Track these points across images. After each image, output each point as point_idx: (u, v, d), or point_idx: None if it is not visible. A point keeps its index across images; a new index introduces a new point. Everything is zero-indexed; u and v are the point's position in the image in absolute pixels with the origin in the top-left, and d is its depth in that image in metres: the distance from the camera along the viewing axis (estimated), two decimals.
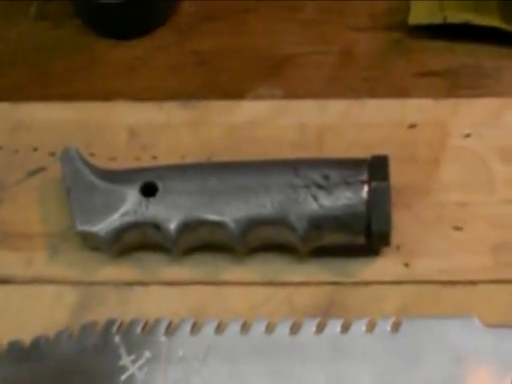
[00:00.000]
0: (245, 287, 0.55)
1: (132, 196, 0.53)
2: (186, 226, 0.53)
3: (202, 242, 0.55)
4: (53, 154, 0.60)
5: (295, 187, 0.52)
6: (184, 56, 0.66)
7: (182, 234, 0.53)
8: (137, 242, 0.55)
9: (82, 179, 0.54)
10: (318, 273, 0.55)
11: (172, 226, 0.53)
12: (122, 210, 0.53)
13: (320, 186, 0.52)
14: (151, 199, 0.53)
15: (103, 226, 0.53)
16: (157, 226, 0.53)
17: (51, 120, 0.61)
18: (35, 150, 0.60)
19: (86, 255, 0.57)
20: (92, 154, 0.59)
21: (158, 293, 0.55)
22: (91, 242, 0.55)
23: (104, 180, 0.54)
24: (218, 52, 0.66)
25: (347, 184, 0.51)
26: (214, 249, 0.56)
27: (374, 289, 0.55)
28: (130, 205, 0.53)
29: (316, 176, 0.52)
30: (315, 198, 0.52)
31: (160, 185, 0.54)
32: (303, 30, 0.66)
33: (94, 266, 0.56)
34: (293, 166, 0.54)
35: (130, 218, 0.53)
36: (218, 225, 0.53)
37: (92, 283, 0.56)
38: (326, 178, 0.52)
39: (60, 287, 0.56)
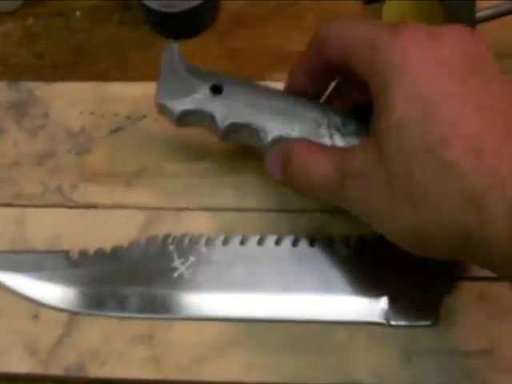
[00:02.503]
0: (260, 213, 0.54)
1: (203, 90, 0.50)
2: (233, 126, 0.50)
3: (241, 140, 0.52)
4: (128, 118, 0.58)
5: (320, 124, 0.48)
6: (221, 51, 0.65)
7: (228, 130, 0.50)
8: (194, 123, 0.52)
9: (172, 66, 0.51)
10: None
11: (224, 122, 0.49)
12: (193, 97, 0.50)
13: (338, 130, 0.48)
14: (216, 96, 0.50)
15: (175, 105, 0.50)
16: (212, 118, 0.50)
17: (127, 94, 0.60)
18: (116, 115, 0.59)
19: (151, 189, 0.56)
20: (156, 118, 0.57)
21: (200, 216, 0.54)
22: (163, 114, 0.52)
23: (188, 72, 0.51)
24: (245, 49, 0.65)
25: (358, 135, 0.47)
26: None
27: None
28: (199, 95, 0.50)
29: (338, 121, 0.48)
30: (331, 137, 0.48)
31: (225, 89, 0.50)
32: (305, 33, 0.63)
33: (157, 197, 0.55)
34: (324, 108, 0.50)
35: (195, 105, 0.50)
36: (256, 132, 0.49)
37: (155, 208, 0.55)
38: (345, 125, 0.48)
39: (132, 211, 0.55)
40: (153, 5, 0.62)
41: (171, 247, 0.52)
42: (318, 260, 0.51)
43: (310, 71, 0.48)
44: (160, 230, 0.53)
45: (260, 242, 0.52)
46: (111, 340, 0.50)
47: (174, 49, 0.52)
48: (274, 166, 0.48)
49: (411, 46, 0.38)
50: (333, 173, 0.42)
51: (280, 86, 0.59)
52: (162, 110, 0.51)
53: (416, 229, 0.38)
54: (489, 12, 0.60)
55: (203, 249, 0.52)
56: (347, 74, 0.47)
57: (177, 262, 0.51)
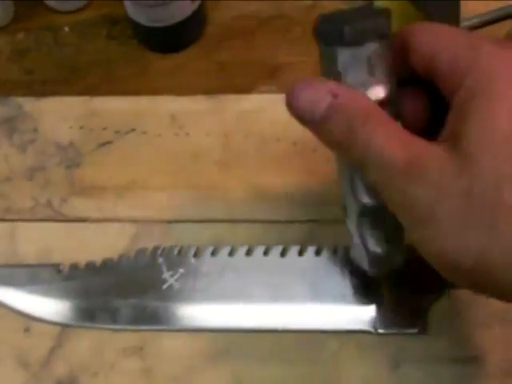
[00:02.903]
0: (248, 224, 0.54)
1: None
2: None
3: None
4: (117, 132, 0.59)
5: None
6: (209, 64, 0.65)
7: None
8: None
9: None
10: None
11: None
12: None
13: None
14: None
15: None
16: None
17: (116, 108, 0.60)
18: (104, 129, 0.59)
19: (140, 202, 0.56)
20: (144, 132, 0.58)
21: (189, 228, 0.54)
22: None
23: None
24: (233, 61, 0.65)
25: None
26: None
27: None
28: None
29: None
30: None
31: None
32: (292, 45, 0.65)
33: (146, 209, 0.55)
34: None
35: None
36: None
37: (144, 221, 0.55)
38: None
39: (122, 224, 0.55)
40: (140, 19, 0.63)
41: (160, 259, 0.52)
42: (306, 270, 0.51)
43: None
44: (149, 243, 0.53)
45: (248, 252, 0.52)
46: (102, 352, 0.50)
47: None
48: (308, 107, 0.38)
49: None
50: (398, 151, 0.35)
51: (268, 98, 0.60)
52: None
53: (483, 253, 0.33)
54: (473, 21, 0.61)
55: (192, 260, 0.52)
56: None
57: (166, 274, 0.52)
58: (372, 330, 0.49)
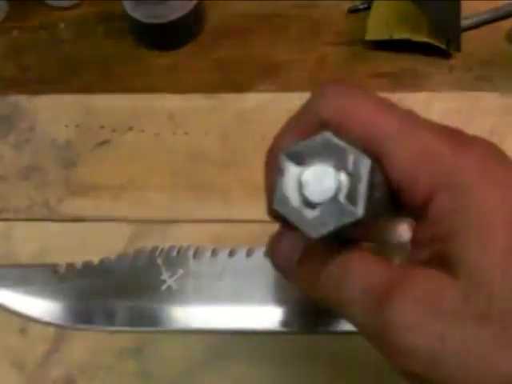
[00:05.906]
0: (248, 224, 0.53)
1: None
2: None
3: None
4: (114, 130, 0.58)
5: None
6: (206, 63, 0.64)
7: None
8: None
9: None
10: None
11: None
12: None
13: None
14: None
15: None
16: None
17: (113, 106, 0.59)
18: (102, 127, 0.58)
19: (138, 202, 0.55)
20: (142, 130, 0.57)
21: (188, 228, 0.54)
22: None
23: None
24: (230, 60, 0.64)
25: None
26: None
27: None
28: None
29: None
30: None
31: None
32: (290, 44, 0.64)
33: (144, 209, 0.55)
34: None
35: None
36: None
37: (142, 221, 0.54)
38: None
39: (119, 224, 0.54)
40: (137, 16, 0.62)
41: (159, 260, 0.51)
42: None
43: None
44: (147, 243, 0.53)
45: (248, 253, 0.51)
46: (100, 354, 0.49)
47: None
48: (283, 258, 0.35)
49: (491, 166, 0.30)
50: (378, 277, 0.30)
51: (268, 96, 0.59)
52: None
53: None
54: (473, 20, 0.60)
55: (191, 261, 0.51)
56: None
57: (165, 275, 0.51)
58: None
